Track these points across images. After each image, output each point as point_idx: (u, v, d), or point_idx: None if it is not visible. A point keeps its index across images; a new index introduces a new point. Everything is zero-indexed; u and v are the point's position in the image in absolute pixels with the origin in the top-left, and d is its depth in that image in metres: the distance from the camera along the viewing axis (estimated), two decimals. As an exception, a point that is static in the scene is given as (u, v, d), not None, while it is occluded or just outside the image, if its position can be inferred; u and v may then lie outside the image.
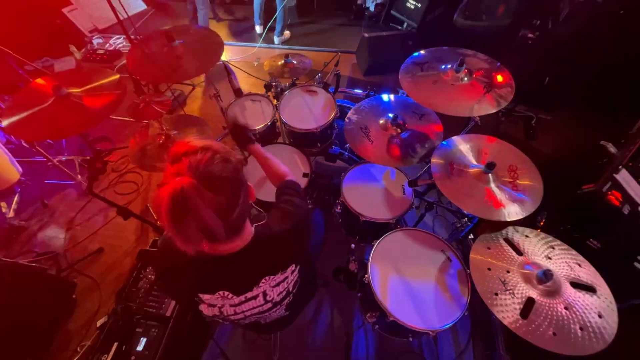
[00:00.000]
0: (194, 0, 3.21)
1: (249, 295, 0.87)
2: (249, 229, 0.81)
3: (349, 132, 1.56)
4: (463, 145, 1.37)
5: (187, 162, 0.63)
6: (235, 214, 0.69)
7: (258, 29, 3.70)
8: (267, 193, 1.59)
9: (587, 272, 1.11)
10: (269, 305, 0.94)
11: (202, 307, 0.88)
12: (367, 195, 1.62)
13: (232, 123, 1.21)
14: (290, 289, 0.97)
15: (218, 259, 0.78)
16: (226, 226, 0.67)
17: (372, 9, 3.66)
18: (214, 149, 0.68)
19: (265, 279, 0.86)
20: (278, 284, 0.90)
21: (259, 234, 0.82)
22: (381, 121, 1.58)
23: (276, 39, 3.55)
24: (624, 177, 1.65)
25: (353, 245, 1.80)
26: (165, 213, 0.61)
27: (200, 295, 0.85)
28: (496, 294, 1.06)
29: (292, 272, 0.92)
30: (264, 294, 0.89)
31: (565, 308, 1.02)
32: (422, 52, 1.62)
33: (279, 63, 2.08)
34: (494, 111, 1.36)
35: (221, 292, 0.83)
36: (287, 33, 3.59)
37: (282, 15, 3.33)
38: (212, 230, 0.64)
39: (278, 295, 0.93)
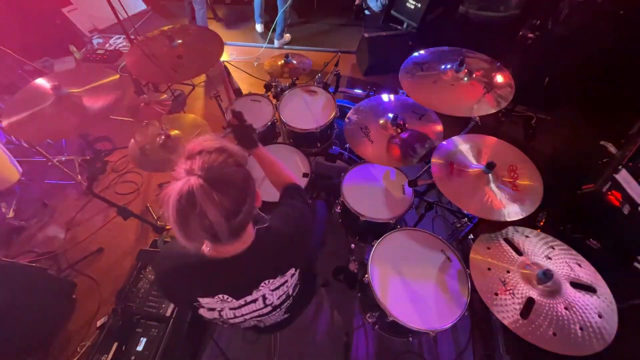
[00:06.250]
0: (192, 0, 3.21)
1: (249, 298, 0.86)
2: (250, 232, 0.81)
3: (349, 132, 1.56)
4: (463, 145, 1.37)
5: (201, 162, 0.64)
6: (239, 217, 0.69)
7: (259, 27, 3.70)
8: (267, 193, 1.59)
9: (587, 272, 1.11)
10: (269, 309, 0.94)
11: (202, 311, 0.88)
12: (367, 195, 1.62)
13: (238, 122, 1.11)
14: (290, 293, 0.97)
15: (218, 262, 0.78)
16: (229, 228, 0.67)
17: (375, 9, 3.64)
18: (229, 151, 0.69)
19: (265, 283, 0.85)
20: (278, 288, 0.90)
21: (260, 237, 0.82)
22: (381, 121, 1.58)
23: (276, 42, 3.55)
24: (624, 177, 1.65)
25: (353, 245, 1.81)
26: (172, 209, 0.62)
27: (200, 300, 0.84)
28: (496, 294, 1.07)
29: (292, 275, 0.91)
30: (264, 297, 0.89)
31: (565, 308, 1.02)
32: (422, 52, 1.62)
33: (279, 63, 2.08)
34: (494, 111, 1.37)
35: (220, 296, 0.83)
36: (287, 36, 3.59)
37: (282, 18, 3.33)
38: (215, 230, 0.65)
39: (278, 299, 0.93)
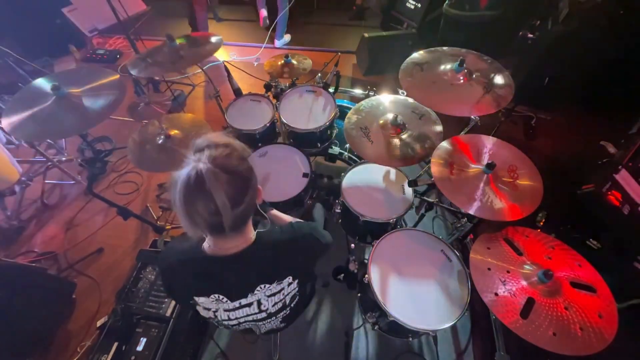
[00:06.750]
0: (192, 3, 3.21)
1: (244, 301, 0.87)
2: (251, 232, 0.82)
3: (349, 132, 1.56)
4: (463, 145, 1.37)
5: (208, 153, 0.68)
6: (242, 207, 0.72)
7: (264, 11, 3.63)
8: (268, 194, 1.60)
9: (587, 272, 1.11)
10: (263, 315, 0.94)
11: (199, 309, 0.89)
12: (367, 195, 1.62)
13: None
14: (287, 302, 0.96)
15: (216, 260, 0.78)
16: (233, 216, 0.70)
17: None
18: (234, 146, 0.74)
19: (261, 287, 0.86)
20: (273, 294, 0.89)
21: (260, 239, 0.83)
22: (381, 121, 1.58)
23: (277, 42, 3.55)
24: (624, 177, 1.65)
25: (353, 245, 1.81)
26: (180, 190, 0.65)
27: (196, 298, 0.85)
28: (496, 294, 1.07)
29: (289, 284, 0.91)
30: (259, 302, 0.89)
31: (565, 308, 1.02)
32: (422, 52, 1.62)
33: (279, 63, 2.08)
34: (494, 111, 1.36)
35: (215, 296, 0.83)
36: (287, 36, 3.59)
37: (283, 18, 3.33)
38: (220, 216, 0.67)
39: (273, 306, 0.92)
